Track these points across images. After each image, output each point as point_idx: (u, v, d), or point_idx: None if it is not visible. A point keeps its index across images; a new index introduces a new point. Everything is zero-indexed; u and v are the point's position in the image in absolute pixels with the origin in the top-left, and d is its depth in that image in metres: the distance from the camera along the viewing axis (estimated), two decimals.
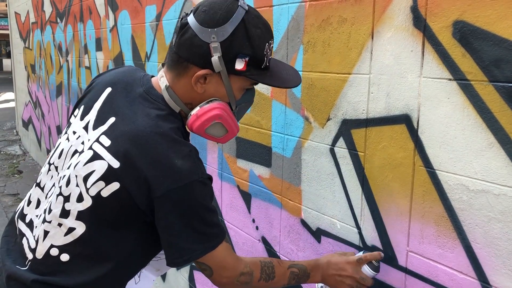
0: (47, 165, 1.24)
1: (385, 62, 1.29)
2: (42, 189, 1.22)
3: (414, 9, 1.20)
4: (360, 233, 1.44)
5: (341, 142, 1.47)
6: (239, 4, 1.09)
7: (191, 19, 1.09)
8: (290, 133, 1.69)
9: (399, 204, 1.30)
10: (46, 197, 1.20)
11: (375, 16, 1.31)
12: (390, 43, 1.27)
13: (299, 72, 1.60)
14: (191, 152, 1.10)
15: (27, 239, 1.18)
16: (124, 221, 1.11)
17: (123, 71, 1.26)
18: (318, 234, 1.61)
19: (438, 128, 1.17)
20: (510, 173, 1.03)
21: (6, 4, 8.24)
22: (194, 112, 1.13)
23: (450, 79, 1.14)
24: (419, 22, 1.19)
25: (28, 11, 6.33)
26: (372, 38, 1.33)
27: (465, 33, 1.09)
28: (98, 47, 3.64)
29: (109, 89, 1.20)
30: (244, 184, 1.98)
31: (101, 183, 1.08)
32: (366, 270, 1.32)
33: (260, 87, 1.81)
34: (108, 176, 1.07)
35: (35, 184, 1.26)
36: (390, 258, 1.35)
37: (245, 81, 1.15)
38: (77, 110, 1.25)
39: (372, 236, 1.40)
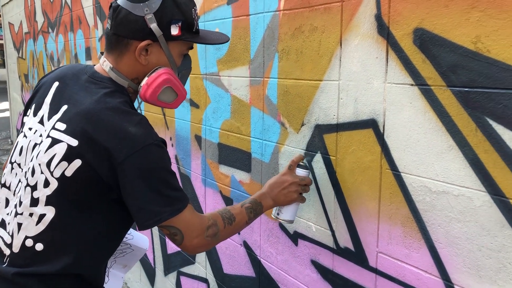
0: (9, 165, 1.29)
1: (352, 68, 1.34)
2: (9, 187, 1.27)
3: (378, 17, 1.25)
4: (333, 235, 1.48)
5: (314, 146, 1.51)
6: None
7: (121, 0, 1.20)
8: (268, 139, 1.72)
9: (368, 206, 1.33)
10: (14, 194, 1.24)
11: (343, 24, 1.36)
12: (357, 50, 1.32)
13: (275, 79, 1.64)
14: (142, 119, 1.17)
15: (1, 237, 1.22)
16: (91, 200, 1.16)
17: (66, 67, 1.35)
18: (295, 237, 1.65)
19: (402, 132, 1.21)
20: (467, 174, 1.07)
21: (0, 15, 8.29)
22: (143, 82, 1.22)
23: (412, 84, 1.18)
24: (383, 29, 1.24)
25: (21, 21, 6.38)
26: (341, 45, 1.37)
27: (425, 40, 1.14)
28: (88, 56, 3.68)
29: (56, 83, 1.28)
30: (226, 189, 2.01)
31: (64, 163, 1.13)
32: (300, 172, 1.44)
33: (240, 94, 1.85)
34: (69, 155, 1.13)
35: (0, 185, 1.31)
36: (361, 259, 1.38)
37: (182, 46, 1.27)
38: (29, 110, 1.32)
39: (344, 238, 1.44)
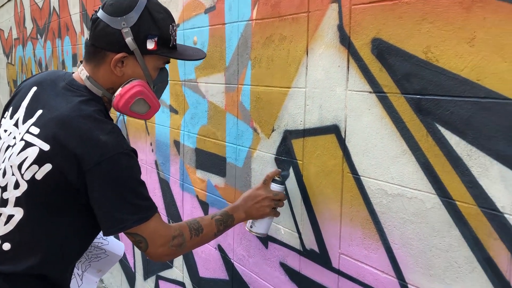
0: None
1: (317, 76, 1.39)
2: None
3: (340, 28, 1.30)
4: (300, 238, 1.52)
5: (283, 151, 1.56)
6: None
7: (100, 13, 1.25)
8: (241, 144, 1.77)
9: (332, 209, 1.38)
10: None
11: (309, 34, 1.41)
12: (322, 59, 1.37)
13: (248, 86, 1.69)
14: (114, 128, 1.21)
15: None
16: (59, 204, 1.20)
17: (46, 73, 1.39)
18: (265, 240, 1.69)
19: (361, 137, 1.27)
20: (419, 177, 1.12)
21: None
22: (117, 92, 1.26)
23: (370, 92, 1.23)
24: (344, 39, 1.29)
25: (11, 27, 6.41)
26: (307, 54, 1.42)
27: (382, 50, 1.19)
28: (75, 63, 3.73)
29: (34, 88, 1.32)
30: (202, 193, 2.05)
31: (35, 167, 1.17)
32: (274, 186, 1.47)
33: (216, 101, 1.90)
34: (40, 159, 1.17)
35: None
36: (325, 260, 1.43)
37: (158, 60, 1.31)
38: (6, 112, 1.36)
39: (310, 240, 1.48)
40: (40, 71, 4.86)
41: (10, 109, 1.34)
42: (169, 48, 1.30)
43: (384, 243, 1.23)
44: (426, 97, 1.09)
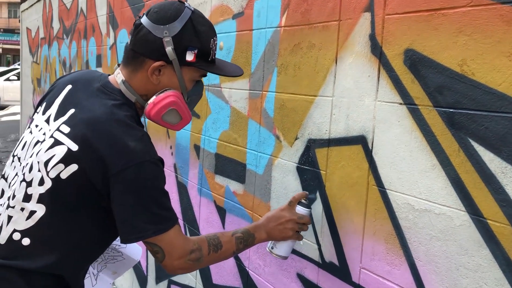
0: (11, 157, 1.33)
1: (346, 85, 1.37)
2: (6, 179, 1.30)
3: (372, 37, 1.28)
4: (319, 249, 1.49)
5: (306, 160, 1.54)
6: (185, 5, 1.25)
7: (144, 19, 1.24)
8: (262, 151, 1.75)
9: (354, 222, 1.35)
10: (9, 186, 1.27)
11: (339, 43, 1.39)
12: (351, 68, 1.35)
13: (273, 93, 1.68)
14: (143, 136, 1.21)
15: None
16: (81, 205, 1.19)
17: (83, 72, 1.40)
18: None
19: (389, 149, 1.24)
20: (449, 193, 1.09)
21: (19, 20, 8.48)
22: (151, 100, 1.26)
23: (401, 103, 1.20)
24: (376, 49, 1.27)
25: (38, 27, 6.53)
26: (336, 62, 1.40)
27: (414, 61, 1.17)
28: (98, 64, 3.76)
29: (69, 86, 1.32)
30: (220, 199, 2.04)
31: (61, 166, 1.17)
32: (300, 209, 1.41)
33: (239, 106, 1.89)
34: (67, 158, 1.16)
35: (1, 176, 1.34)
36: (345, 274, 1.39)
37: (195, 72, 1.29)
38: (39, 107, 1.36)
39: (330, 253, 1.45)
40: (64, 71, 4.93)
41: (44, 104, 1.34)
42: (207, 62, 1.29)
43: (408, 259, 1.20)
44: (460, 111, 1.06)
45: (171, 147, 2.52)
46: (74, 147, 1.17)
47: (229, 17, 1.95)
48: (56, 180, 1.17)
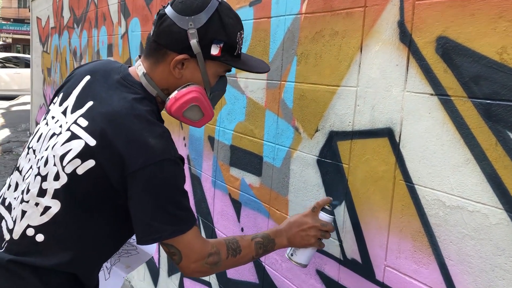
0: (26, 149, 1.28)
1: (371, 75, 1.30)
2: (20, 172, 1.25)
3: (401, 24, 1.21)
4: (341, 246, 1.44)
5: (327, 153, 1.48)
6: None
7: (168, 9, 1.17)
8: (280, 143, 1.70)
9: (379, 218, 1.29)
10: (23, 179, 1.23)
11: (365, 30, 1.33)
12: (377, 56, 1.29)
13: (292, 83, 1.62)
14: (164, 132, 1.14)
15: (5, 221, 1.21)
16: (96, 203, 1.14)
17: (102, 62, 1.33)
18: None
19: (418, 143, 1.17)
20: (484, 190, 1.03)
21: (29, 10, 8.45)
22: (172, 95, 1.19)
23: (431, 94, 1.14)
24: (405, 37, 1.20)
25: (48, 16, 6.49)
26: (361, 51, 1.34)
27: (448, 49, 1.10)
28: (110, 53, 3.71)
29: (88, 77, 1.25)
30: (235, 192, 1.99)
31: (77, 161, 1.11)
32: (323, 216, 1.35)
33: (256, 97, 1.83)
34: (84, 153, 1.11)
35: (15, 168, 1.30)
36: (368, 272, 1.34)
37: (219, 67, 1.23)
38: (56, 97, 1.30)
39: (352, 249, 1.39)
40: (74, 60, 4.89)
41: (61, 95, 1.28)
42: (233, 56, 1.22)
43: (437, 258, 1.14)
44: (498, 102, 1.00)
45: (184, 138, 2.47)
46: (92, 142, 1.11)
47: (246, 4, 1.89)
48: (72, 175, 1.12)
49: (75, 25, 4.87)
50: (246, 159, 1.90)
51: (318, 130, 1.51)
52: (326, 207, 1.36)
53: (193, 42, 1.14)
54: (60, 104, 1.25)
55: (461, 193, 1.08)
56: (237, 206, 1.98)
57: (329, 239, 1.46)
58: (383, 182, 1.28)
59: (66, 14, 5.29)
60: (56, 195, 1.14)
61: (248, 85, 1.88)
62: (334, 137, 1.45)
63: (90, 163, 1.11)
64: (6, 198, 1.25)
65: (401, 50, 1.22)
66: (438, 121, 1.13)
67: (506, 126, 0.98)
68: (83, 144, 1.12)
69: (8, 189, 1.27)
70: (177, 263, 1.18)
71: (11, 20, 35.52)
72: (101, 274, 1.75)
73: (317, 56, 1.51)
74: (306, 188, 1.58)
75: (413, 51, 1.18)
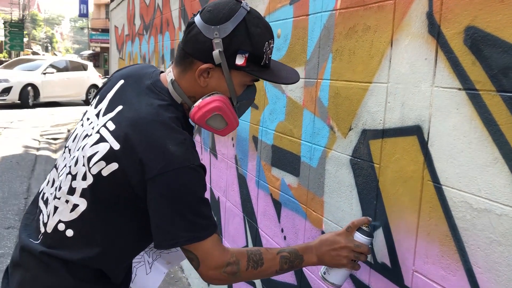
0: (64, 149, 1.35)
1: (401, 70, 1.24)
2: (57, 169, 1.33)
3: (430, 15, 1.15)
4: (372, 249, 1.38)
5: (360, 153, 1.43)
6: (241, 5, 1.17)
7: (197, 18, 1.18)
8: (316, 143, 1.66)
9: (408, 220, 1.23)
10: (58, 176, 1.29)
11: (395, 23, 1.27)
12: (407, 51, 1.22)
13: (327, 81, 1.58)
14: (186, 140, 1.15)
15: (43, 215, 1.28)
16: (119, 204, 1.18)
17: (137, 67, 1.36)
18: None
19: (446, 141, 1.10)
20: None
21: (108, 19, 8.98)
22: (196, 104, 1.20)
23: (459, 89, 1.07)
24: (434, 28, 1.14)
25: (123, 24, 6.85)
26: (391, 45, 1.28)
27: (476, 40, 1.02)
28: (172, 57, 3.85)
29: (121, 81, 1.30)
30: (276, 192, 1.97)
31: (102, 163, 1.16)
32: (359, 237, 1.27)
33: (294, 96, 1.81)
34: (109, 156, 1.15)
35: (54, 165, 1.38)
36: (397, 277, 1.27)
37: (245, 77, 1.21)
38: (94, 99, 1.36)
39: (382, 253, 1.33)
40: None
41: (97, 97, 1.35)
42: (260, 66, 1.20)
43: (465, 264, 1.06)
44: None
45: (232, 139, 2.50)
46: (116, 146, 1.15)
47: (287, 3, 1.87)
48: (98, 176, 1.17)
49: (144, 32, 5.10)
50: (286, 159, 1.88)
51: (352, 128, 1.47)
52: (364, 227, 1.28)
53: (216, 52, 1.14)
54: (95, 107, 1.31)
55: (488, 195, 0.99)
56: (277, 206, 1.97)
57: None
58: (412, 183, 1.21)
59: (137, 22, 5.56)
60: (83, 194, 1.19)
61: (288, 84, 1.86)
62: (367, 135, 1.39)
63: (114, 166, 1.14)
64: (45, 193, 1.34)
65: (429, 43, 1.15)
66: (466, 117, 1.05)
67: None
68: (108, 147, 1.16)
69: (47, 185, 1.35)
70: (196, 268, 1.19)
71: (100, 30, 37.92)
72: (142, 269, 1.81)
73: (351, 52, 1.46)
74: (340, 189, 1.53)
75: (442, 43, 1.11)
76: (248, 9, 1.17)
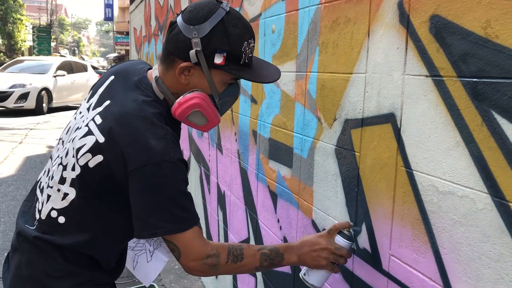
0: (58, 140, 1.43)
1: (377, 60, 1.28)
2: (52, 160, 1.41)
3: (400, 5, 1.18)
4: (354, 235, 1.41)
5: (343, 142, 1.47)
6: (220, 6, 1.21)
7: (179, 18, 1.24)
8: (306, 134, 1.71)
9: (384, 206, 1.26)
10: (52, 167, 1.37)
11: (371, 15, 1.30)
12: (382, 41, 1.26)
13: (315, 74, 1.63)
14: (167, 135, 1.20)
15: (39, 202, 1.37)
16: (106, 194, 1.24)
17: (128, 63, 1.43)
18: None
19: (416, 127, 1.14)
20: (472, 173, 0.97)
21: (128, 22, 9.17)
22: (177, 100, 1.26)
23: (427, 76, 1.10)
24: (404, 18, 1.17)
25: (141, 26, 7.00)
26: (369, 36, 1.32)
27: (439, 28, 1.05)
28: None
29: (112, 77, 1.37)
30: (273, 184, 2.02)
31: (89, 155, 1.23)
32: (339, 240, 1.30)
33: (287, 90, 1.86)
34: (95, 149, 1.22)
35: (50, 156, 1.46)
36: (376, 262, 1.31)
37: (225, 75, 1.25)
38: (88, 94, 1.43)
39: (363, 239, 1.37)
40: None
41: (91, 92, 1.42)
42: (239, 65, 1.23)
43: (432, 246, 1.09)
44: (483, 80, 0.94)
45: (235, 134, 2.56)
46: (101, 139, 1.21)
47: None
48: (85, 167, 1.23)
49: (159, 32, 5.21)
50: (281, 152, 1.93)
51: (336, 119, 1.51)
52: (345, 231, 1.32)
53: (195, 51, 1.18)
54: (88, 101, 1.38)
55: (452, 178, 1.03)
56: (274, 198, 2.02)
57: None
58: (387, 169, 1.24)
59: (153, 23, 5.68)
60: (73, 183, 1.26)
61: (282, 78, 1.91)
62: (349, 125, 1.43)
63: (99, 158, 1.21)
64: (41, 182, 1.42)
65: (400, 32, 1.18)
66: (433, 103, 1.08)
67: (491, 105, 0.92)
68: (94, 140, 1.22)
69: (44, 174, 1.43)
70: (177, 259, 1.24)
71: (124, 33, 38.55)
72: (143, 257, 1.88)
73: (335, 44, 1.50)
74: (326, 178, 1.57)
75: (411, 32, 1.15)
76: (228, 9, 1.21)
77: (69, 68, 14.09)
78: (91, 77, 14.79)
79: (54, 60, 14.39)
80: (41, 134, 9.46)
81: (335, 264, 1.32)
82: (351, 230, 1.35)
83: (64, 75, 13.47)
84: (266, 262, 1.29)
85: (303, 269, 1.38)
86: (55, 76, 13.14)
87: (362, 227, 1.37)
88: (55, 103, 13.17)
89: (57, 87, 13.13)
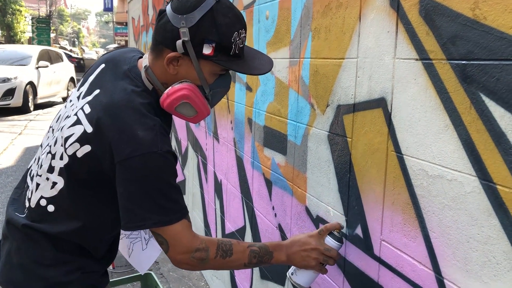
0: (48, 128, 1.42)
1: (368, 44, 1.27)
2: (42, 148, 1.40)
3: None
4: (347, 221, 1.41)
5: (335, 128, 1.46)
6: None
7: (168, 7, 1.20)
8: (300, 121, 1.70)
9: (376, 191, 1.26)
10: (41, 155, 1.36)
11: None
12: (372, 25, 1.25)
13: (308, 59, 1.61)
14: (155, 126, 1.18)
15: (29, 190, 1.36)
16: (95, 183, 1.23)
17: (119, 51, 1.40)
18: (317, 222, 1.61)
19: (406, 111, 1.13)
20: (460, 157, 0.97)
21: (126, 11, 9.11)
22: (166, 91, 1.23)
23: (416, 59, 1.09)
24: (394, 1, 1.16)
25: (139, 15, 6.96)
26: (360, 21, 1.31)
27: (429, 10, 1.04)
28: None
29: (102, 65, 1.35)
30: (268, 172, 2.02)
31: (77, 145, 1.21)
32: (329, 241, 1.30)
33: (281, 76, 1.85)
34: (83, 139, 1.21)
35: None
36: (367, 247, 1.31)
37: (215, 66, 1.22)
38: (79, 82, 1.42)
39: (356, 224, 1.37)
40: None
41: (81, 80, 1.40)
42: (228, 56, 1.20)
43: (422, 230, 1.09)
44: (472, 62, 0.93)
45: (231, 122, 2.55)
46: (89, 129, 1.19)
47: None
48: (73, 157, 1.22)
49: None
50: (275, 139, 1.93)
51: (329, 105, 1.50)
52: (335, 233, 1.32)
53: (182, 40, 1.15)
54: (78, 89, 1.36)
55: (441, 161, 1.02)
56: (269, 185, 2.02)
57: (337, 214, 1.45)
58: (379, 154, 1.24)
59: (151, 12, 5.64)
60: (61, 173, 1.25)
61: (276, 65, 1.90)
62: (341, 111, 1.43)
63: (87, 148, 1.20)
64: (32, 170, 1.41)
65: (391, 15, 1.17)
66: (422, 87, 1.07)
67: (479, 87, 0.92)
68: (82, 130, 1.21)
69: (34, 161, 1.43)
70: (165, 252, 1.22)
71: (124, 24, 38.37)
72: (138, 245, 1.89)
73: (327, 30, 1.49)
74: (320, 164, 1.57)
75: (401, 15, 1.14)
76: None
77: (48, 58, 12.22)
78: (68, 68, 13.47)
79: (30, 49, 12.09)
80: (41, 125, 9.46)
81: (323, 265, 1.32)
82: (341, 232, 1.35)
83: (47, 66, 11.73)
84: (255, 259, 1.28)
85: (291, 268, 1.37)
86: (37, 68, 11.30)
87: (355, 213, 1.37)
88: (40, 98, 11.46)
89: (40, 80, 11.31)
